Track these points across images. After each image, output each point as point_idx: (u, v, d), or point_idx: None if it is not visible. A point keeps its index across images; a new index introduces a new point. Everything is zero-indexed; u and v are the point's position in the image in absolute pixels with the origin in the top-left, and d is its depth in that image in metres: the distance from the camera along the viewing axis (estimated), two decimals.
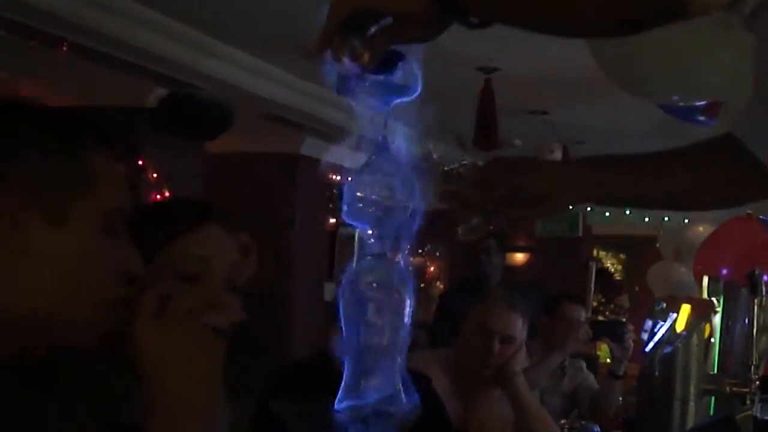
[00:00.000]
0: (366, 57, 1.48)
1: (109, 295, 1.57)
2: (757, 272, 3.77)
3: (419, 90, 1.59)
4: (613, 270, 14.03)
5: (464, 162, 1.94)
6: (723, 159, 1.79)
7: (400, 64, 1.56)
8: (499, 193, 1.87)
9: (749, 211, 3.89)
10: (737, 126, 1.78)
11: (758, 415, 3.57)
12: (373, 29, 1.47)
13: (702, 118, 3.59)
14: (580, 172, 2.00)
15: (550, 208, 1.94)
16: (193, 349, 1.57)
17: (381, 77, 1.59)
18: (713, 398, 3.34)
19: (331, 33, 1.47)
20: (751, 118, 1.74)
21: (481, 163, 1.97)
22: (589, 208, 12.04)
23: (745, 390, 3.42)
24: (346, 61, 1.48)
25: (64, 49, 5.63)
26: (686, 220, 12.99)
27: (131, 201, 1.67)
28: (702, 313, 3.41)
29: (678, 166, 1.90)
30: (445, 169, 1.99)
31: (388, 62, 1.55)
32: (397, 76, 1.59)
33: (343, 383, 1.58)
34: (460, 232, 1.91)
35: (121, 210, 1.61)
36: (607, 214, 12.93)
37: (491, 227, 1.95)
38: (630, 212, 13.03)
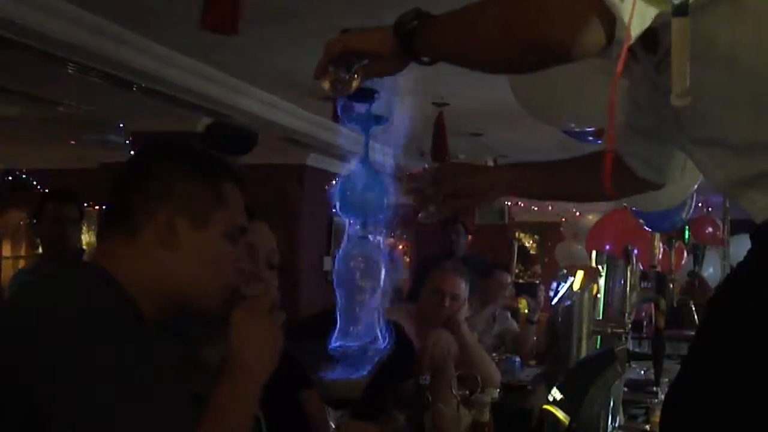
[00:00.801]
0: (349, 85, 1.49)
1: (227, 281, 1.61)
2: (629, 248, 3.80)
3: (390, 119, 1.61)
4: (529, 247, 14.02)
5: (424, 167, 1.96)
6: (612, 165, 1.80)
7: (375, 97, 1.57)
8: (448, 189, 1.91)
9: (625, 204, 3.90)
10: (617, 144, 1.79)
11: (630, 348, 3.59)
12: (355, 65, 1.46)
13: (591, 138, 3.59)
14: (507, 173, 2.04)
15: (485, 200, 1.98)
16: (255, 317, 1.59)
17: (363, 110, 1.60)
18: (599, 337, 3.35)
19: (324, 65, 1.47)
20: (625, 140, 1.75)
21: (437, 166, 1.99)
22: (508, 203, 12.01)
23: (621, 330, 3.44)
24: (334, 86, 1.49)
25: (134, 89, 5.60)
26: (577, 213, 13.04)
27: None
28: (591, 276, 3.41)
29: (576, 170, 1.93)
30: (409, 173, 2.00)
31: (366, 95, 1.57)
32: (375, 108, 1.61)
33: (336, 329, 1.58)
34: (420, 217, 1.94)
35: (242, 226, 1.66)
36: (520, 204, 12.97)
37: (442, 214, 1.97)
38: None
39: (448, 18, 1.37)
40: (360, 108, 1.61)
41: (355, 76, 1.48)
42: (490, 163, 8.74)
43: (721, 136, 1.45)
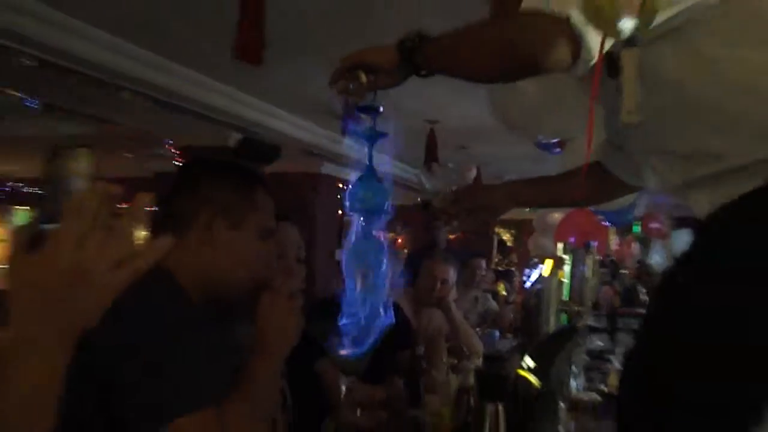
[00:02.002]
0: (357, 93, 1.49)
1: (258, 274, 1.60)
2: (589, 241, 3.80)
3: (390, 134, 1.60)
4: (507, 240, 13.99)
5: (447, 191, 2.00)
6: (597, 175, 1.81)
7: (378, 111, 1.57)
8: (467, 207, 1.96)
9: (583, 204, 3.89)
10: (600, 156, 1.81)
11: (590, 323, 3.59)
12: (363, 76, 1.47)
13: (557, 150, 3.58)
14: (513, 189, 2.07)
15: (498, 213, 2.02)
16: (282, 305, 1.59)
17: (367, 127, 1.60)
18: (565, 314, 3.34)
19: (337, 76, 1.49)
20: (607, 153, 1.77)
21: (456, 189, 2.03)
22: None
23: (582, 309, 3.44)
24: (345, 92, 1.50)
25: (179, 110, 5.59)
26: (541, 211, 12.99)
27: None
28: (558, 264, 3.42)
29: (570, 182, 1.94)
30: (438, 195, 2.04)
31: (371, 109, 1.57)
32: (378, 125, 1.60)
33: (344, 310, 1.58)
34: (447, 230, 2.03)
35: (271, 228, 1.65)
36: None
37: (465, 227, 2.04)
38: None
39: (442, 38, 1.40)
40: (365, 125, 1.60)
41: (362, 85, 1.47)
42: (474, 172, 8.77)
43: (670, 148, 1.45)
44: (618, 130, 1.61)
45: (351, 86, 1.48)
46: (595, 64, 1.40)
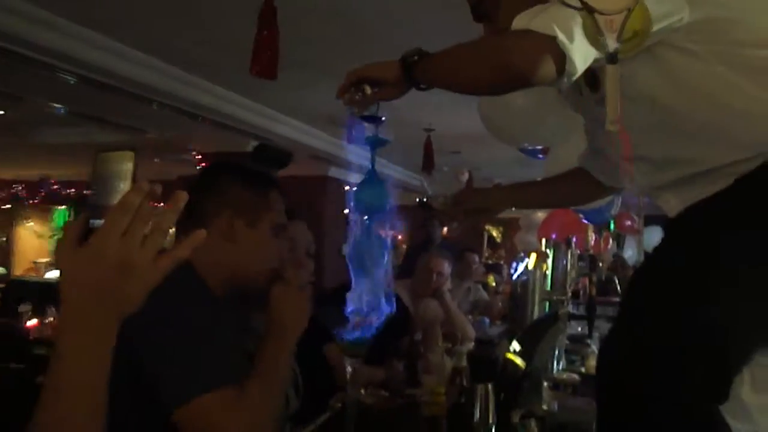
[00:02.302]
0: (361, 104, 1.49)
1: (272, 266, 1.61)
2: (570, 237, 3.79)
3: (391, 140, 1.60)
4: (496, 236, 13.98)
5: (447, 194, 2.00)
6: (581, 179, 1.82)
7: (381, 121, 1.57)
8: (467, 208, 1.96)
9: None
10: (582, 162, 1.82)
11: (570, 311, 3.58)
12: (367, 89, 1.46)
13: (540, 156, 3.57)
14: (508, 192, 2.09)
15: (494, 214, 2.03)
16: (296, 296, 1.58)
17: (371, 134, 1.59)
18: (548, 303, 3.33)
19: (344, 89, 1.48)
20: (590, 159, 1.77)
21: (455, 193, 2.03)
22: None
23: (564, 298, 3.43)
24: (351, 103, 1.49)
25: (200, 120, 5.60)
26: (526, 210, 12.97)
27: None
28: (542, 258, 3.40)
29: (559, 184, 1.96)
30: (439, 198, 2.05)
31: (374, 119, 1.56)
32: (380, 133, 1.60)
33: (350, 299, 1.57)
34: (447, 230, 2.03)
35: (283, 224, 1.65)
36: None
37: (464, 226, 2.05)
38: None
39: (439, 54, 1.40)
40: (368, 132, 1.60)
41: (367, 97, 1.47)
42: (466, 176, 8.76)
43: (645, 154, 1.45)
44: (597, 137, 1.61)
45: (357, 97, 1.48)
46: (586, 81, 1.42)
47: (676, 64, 1.33)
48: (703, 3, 1.30)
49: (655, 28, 1.26)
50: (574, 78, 1.28)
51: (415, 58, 1.41)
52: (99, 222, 0.88)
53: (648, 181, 1.50)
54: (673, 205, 1.42)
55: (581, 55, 1.23)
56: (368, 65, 1.46)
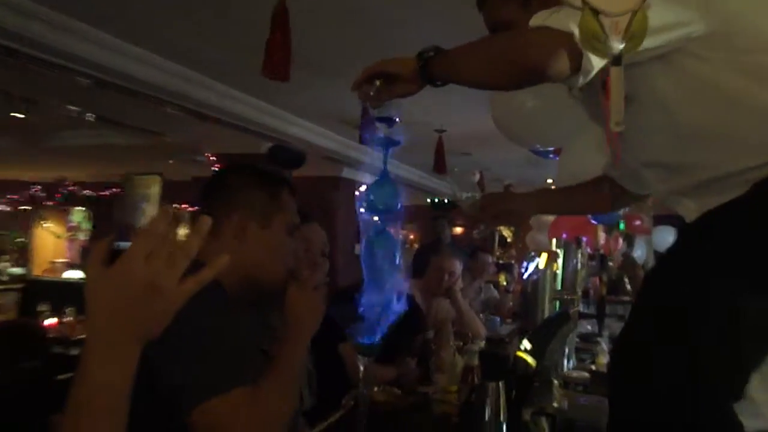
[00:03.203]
0: (375, 98, 1.48)
1: (286, 266, 1.62)
2: (580, 237, 3.78)
3: (403, 142, 1.60)
4: (507, 236, 13.91)
5: (474, 196, 2.00)
6: (605, 187, 1.82)
7: (395, 121, 1.56)
8: (492, 213, 1.97)
9: None
10: (607, 170, 1.82)
11: (581, 309, 3.57)
12: (377, 83, 1.46)
13: (552, 156, 3.56)
14: (533, 198, 2.09)
15: (520, 220, 2.04)
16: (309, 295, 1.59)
17: (383, 135, 1.59)
18: (558, 302, 3.33)
19: (360, 83, 1.47)
20: (611, 167, 1.77)
21: (483, 196, 2.05)
22: None
23: (574, 297, 3.42)
24: (363, 99, 1.49)
25: (216, 122, 5.62)
26: None
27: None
28: (553, 258, 3.40)
29: (585, 191, 1.95)
30: (464, 200, 2.05)
31: (388, 120, 1.56)
32: (392, 134, 1.59)
33: (362, 298, 1.57)
34: (474, 234, 2.02)
35: (296, 225, 1.66)
36: None
37: (490, 230, 2.06)
38: None
39: (457, 49, 1.39)
40: (380, 133, 1.60)
41: (380, 91, 1.46)
42: (477, 176, 8.77)
43: (662, 159, 1.46)
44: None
45: (371, 93, 1.47)
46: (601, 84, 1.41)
47: (691, 71, 1.34)
48: (716, 13, 1.31)
49: (665, 39, 1.27)
50: (590, 76, 1.27)
51: (432, 54, 1.40)
52: (125, 244, 0.90)
53: (666, 186, 1.50)
54: (692, 210, 1.42)
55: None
56: (385, 60, 1.45)
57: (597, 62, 1.23)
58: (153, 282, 0.86)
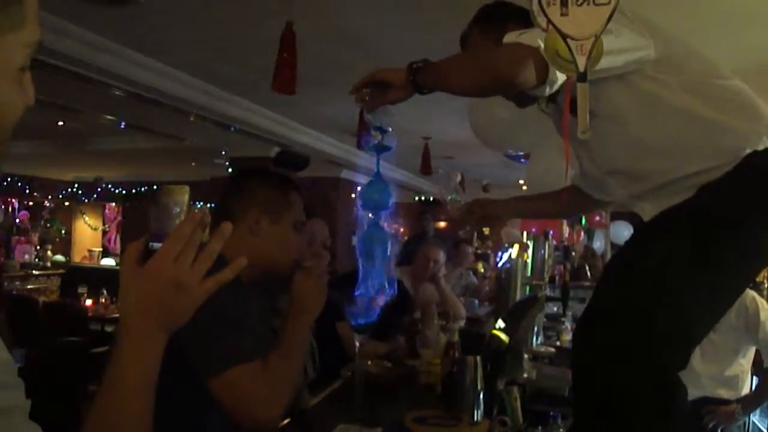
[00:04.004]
0: (370, 103, 1.46)
1: (294, 256, 1.61)
2: (547, 230, 3.78)
3: (393, 147, 1.58)
4: (484, 229, 13.86)
5: (457, 199, 2.00)
6: (577, 193, 1.80)
7: (388, 131, 1.55)
8: (477, 215, 1.99)
9: None
10: (576, 181, 1.80)
11: (547, 293, 3.57)
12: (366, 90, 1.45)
13: (522, 160, 3.56)
14: (513, 203, 2.07)
15: (502, 221, 2.04)
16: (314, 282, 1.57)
17: (376, 142, 1.58)
18: (528, 287, 3.32)
19: (359, 87, 1.45)
20: (579, 177, 1.76)
21: (468, 201, 2.06)
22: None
23: (542, 282, 3.42)
24: (362, 101, 1.47)
25: (232, 129, 5.59)
26: None
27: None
28: (523, 248, 3.39)
29: (560, 198, 1.95)
30: (450, 201, 2.05)
31: (381, 129, 1.55)
32: (384, 141, 1.58)
33: (358, 283, 1.57)
34: (460, 234, 2.05)
35: (302, 221, 1.65)
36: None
37: (474, 231, 2.08)
38: None
39: (442, 61, 1.38)
40: (374, 140, 1.58)
41: (374, 96, 1.45)
42: (458, 177, 8.77)
43: (621, 168, 1.47)
44: (581, 158, 1.62)
45: (366, 97, 1.46)
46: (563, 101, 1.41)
47: (646, 90, 1.36)
48: (668, 42, 1.35)
49: (623, 60, 1.29)
50: (556, 87, 1.27)
51: (420, 64, 1.39)
52: (158, 245, 0.89)
53: (626, 191, 1.51)
54: (647, 211, 1.43)
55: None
56: (380, 69, 1.44)
57: (561, 75, 1.24)
58: (179, 281, 0.86)
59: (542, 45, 1.19)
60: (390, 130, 1.56)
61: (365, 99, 1.46)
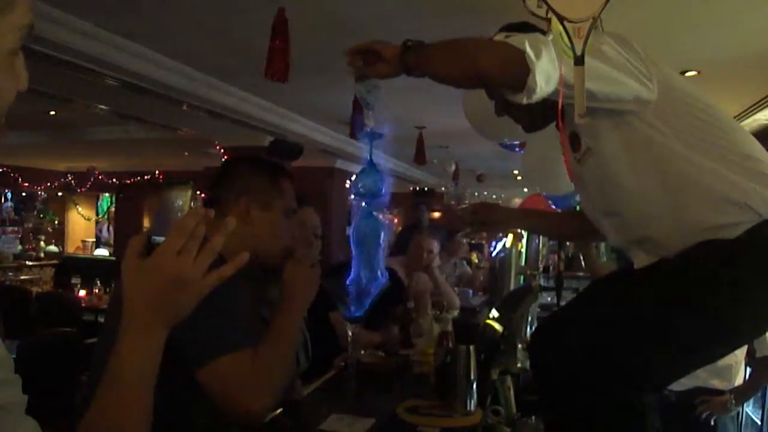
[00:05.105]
0: (359, 73, 1.45)
1: (284, 245, 1.59)
2: None
3: (385, 134, 1.57)
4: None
5: (466, 203, 2.00)
6: (583, 219, 1.76)
7: (372, 108, 1.54)
8: (480, 219, 1.99)
9: (538, 191, 3.85)
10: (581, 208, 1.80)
11: (541, 283, 3.57)
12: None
13: (517, 149, 3.54)
14: (522, 215, 2.13)
15: (504, 229, 2.05)
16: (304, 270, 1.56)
17: (369, 130, 1.56)
18: (522, 276, 3.32)
19: (354, 51, 1.44)
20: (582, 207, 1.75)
21: (472, 203, 2.10)
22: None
23: (536, 272, 3.42)
24: (355, 71, 1.45)
25: (224, 119, 5.57)
26: (502, 196, 12.95)
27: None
28: (518, 238, 3.39)
29: (566, 220, 2.00)
30: (459, 206, 2.05)
31: (369, 105, 1.53)
32: (377, 128, 1.57)
33: (351, 272, 1.55)
34: (461, 234, 2.06)
35: (293, 208, 1.64)
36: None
37: (475, 233, 2.09)
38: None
39: (433, 43, 1.36)
40: (366, 129, 1.57)
41: (366, 66, 1.42)
42: (453, 166, 8.76)
43: (616, 210, 1.47)
44: (582, 195, 1.64)
45: (357, 63, 1.43)
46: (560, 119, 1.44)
47: (645, 134, 1.36)
48: (671, 89, 1.36)
49: (629, 92, 1.30)
50: (534, 97, 1.24)
51: (412, 43, 1.37)
52: (160, 239, 0.89)
53: (620, 236, 1.51)
54: (641, 259, 1.45)
55: (544, 74, 1.21)
56: (379, 40, 1.42)
57: (542, 82, 1.21)
58: (181, 275, 0.85)
59: (528, 48, 1.18)
60: (374, 107, 1.54)
61: (355, 65, 1.43)
